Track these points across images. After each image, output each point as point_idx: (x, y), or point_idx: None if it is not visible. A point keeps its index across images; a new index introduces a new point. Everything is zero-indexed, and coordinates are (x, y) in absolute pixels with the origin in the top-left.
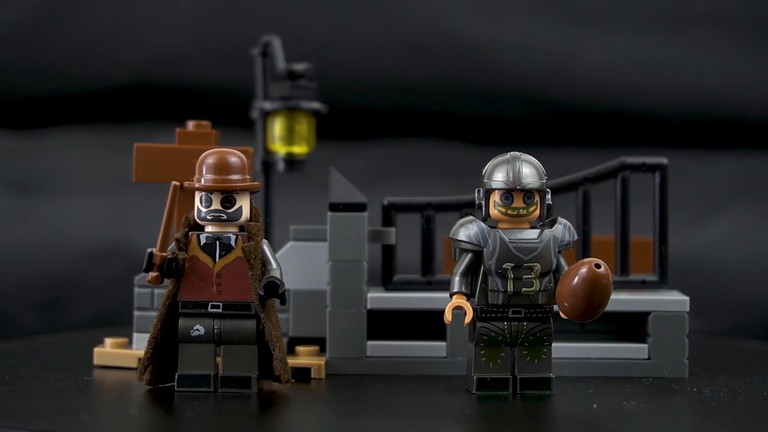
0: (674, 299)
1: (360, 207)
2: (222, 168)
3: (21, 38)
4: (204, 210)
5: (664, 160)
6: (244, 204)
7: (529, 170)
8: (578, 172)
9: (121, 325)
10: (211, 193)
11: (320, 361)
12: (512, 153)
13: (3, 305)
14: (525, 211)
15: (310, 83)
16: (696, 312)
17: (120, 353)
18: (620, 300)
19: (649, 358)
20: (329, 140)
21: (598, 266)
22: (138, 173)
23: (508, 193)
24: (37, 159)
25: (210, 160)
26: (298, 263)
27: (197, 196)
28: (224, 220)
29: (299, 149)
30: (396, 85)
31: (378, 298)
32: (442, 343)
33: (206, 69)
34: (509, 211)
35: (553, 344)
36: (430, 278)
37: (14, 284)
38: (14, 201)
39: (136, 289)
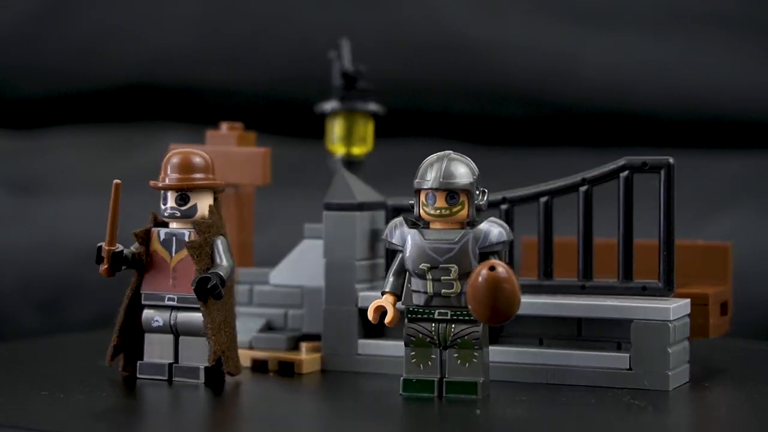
0: (657, 307)
1: (355, 207)
2: (177, 167)
3: (21, 38)
4: (162, 207)
5: (669, 159)
6: (200, 202)
7: (454, 170)
8: (579, 172)
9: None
10: (167, 191)
11: (302, 356)
12: (443, 152)
13: (3, 305)
14: (448, 212)
15: (368, 85)
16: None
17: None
18: (601, 306)
19: (630, 369)
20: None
21: (492, 268)
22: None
23: (432, 193)
24: (37, 159)
25: (170, 160)
26: (312, 260)
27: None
28: (178, 217)
29: (358, 150)
30: (396, 85)
31: (369, 296)
32: None
33: (206, 69)
34: (432, 212)
35: (533, 349)
36: None
37: (14, 284)
38: (14, 201)
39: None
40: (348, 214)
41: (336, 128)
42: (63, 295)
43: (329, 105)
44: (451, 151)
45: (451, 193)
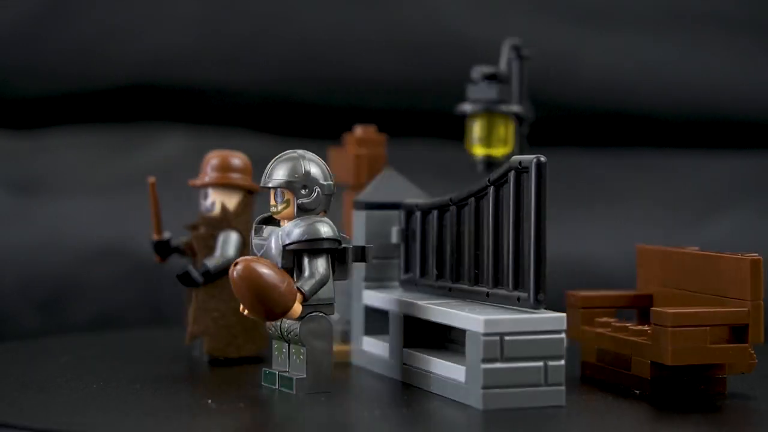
0: (479, 318)
1: (375, 206)
2: (213, 166)
3: (21, 38)
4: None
5: (541, 157)
6: (217, 200)
7: (280, 169)
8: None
9: (121, 325)
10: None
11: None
12: (286, 152)
13: (3, 305)
14: (275, 209)
15: (509, 86)
16: None
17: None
18: (429, 309)
19: (465, 383)
20: (330, 140)
21: (236, 264)
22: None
23: (268, 192)
24: (37, 159)
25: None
26: None
27: None
28: (204, 213)
29: (497, 151)
30: (396, 85)
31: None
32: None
33: (206, 69)
34: (270, 209)
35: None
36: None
37: (14, 284)
38: (14, 201)
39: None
40: (374, 213)
41: (476, 129)
42: (63, 295)
43: (469, 106)
44: (295, 151)
45: (279, 191)
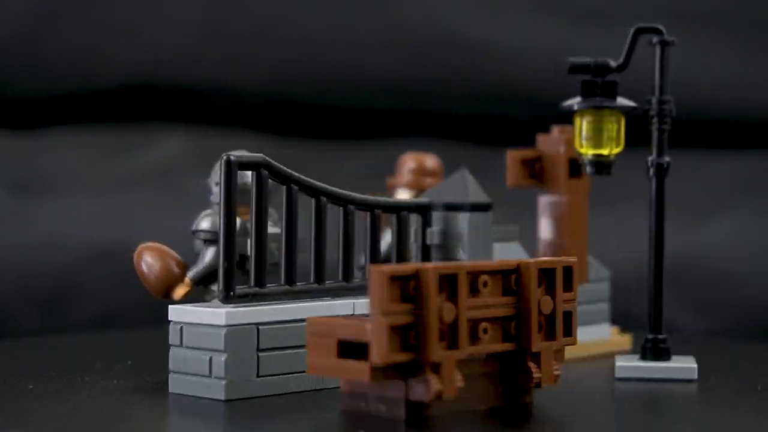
0: (214, 311)
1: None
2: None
3: (21, 38)
4: None
5: (231, 156)
6: None
7: None
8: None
9: (120, 325)
10: None
11: None
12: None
13: (3, 305)
14: None
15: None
16: (696, 312)
17: None
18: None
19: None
20: (330, 140)
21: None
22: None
23: None
24: (37, 159)
25: None
26: None
27: None
28: None
29: (607, 150)
30: (396, 85)
31: None
32: None
33: (206, 69)
34: None
35: None
36: None
37: (14, 284)
38: (14, 201)
39: None
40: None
41: (583, 127)
42: (63, 295)
43: (575, 102)
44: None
45: None
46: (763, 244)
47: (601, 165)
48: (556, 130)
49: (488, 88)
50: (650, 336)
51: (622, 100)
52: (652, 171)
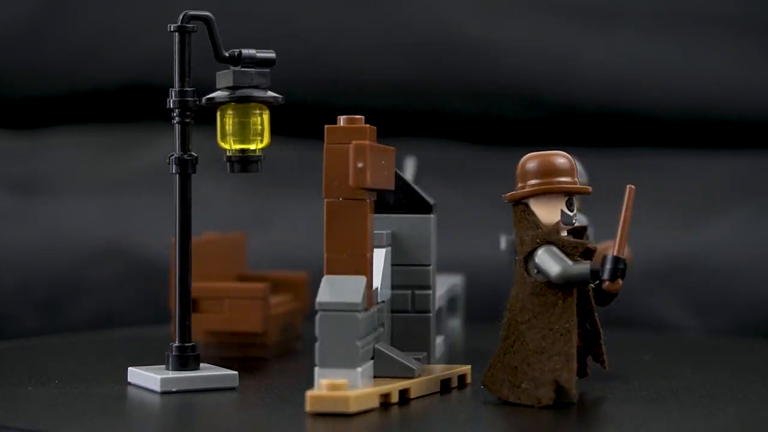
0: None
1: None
2: (574, 170)
3: (21, 38)
4: (570, 214)
5: None
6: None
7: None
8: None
9: (120, 325)
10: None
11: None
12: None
13: (3, 305)
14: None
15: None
16: (696, 312)
17: (366, 393)
18: None
19: None
20: None
21: None
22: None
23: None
24: (37, 159)
25: (566, 164)
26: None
27: (559, 201)
28: (573, 225)
29: (254, 145)
30: (396, 85)
31: None
32: None
33: (206, 69)
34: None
35: None
36: None
37: (14, 284)
38: (14, 201)
39: (359, 316)
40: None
41: (227, 122)
42: (63, 295)
43: (216, 95)
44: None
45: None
46: (763, 244)
47: (247, 161)
48: (343, 120)
49: (488, 88)
50: (177, 344)
51: (268, 93)
52: (175, 168)
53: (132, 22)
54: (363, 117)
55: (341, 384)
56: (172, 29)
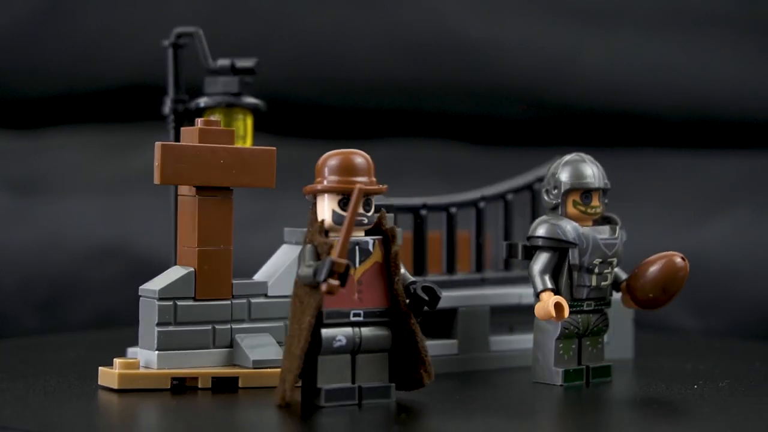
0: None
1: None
2: (363, 170)
3: (21, 38)
4: (337, 212)
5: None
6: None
7: (599, 171)
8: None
9: (120, 325)
10: (346, 196)
11: None
12: (579, 154)
13: (3, 305)
14: (600, 209)
15: (251, 79)
16: (696, 312)
17: (147, 374)
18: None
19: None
20: (330, 140)
21: (683, 259)
22: (164, 174)
23: (588, 193)
24: (37, 159)
25: (347, 162)
26: (293, 266)
27: (331, 199)
28: (365, 225)
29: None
30: (396, 85)
31: None
32: (453, 341)
33: (206, 69)
34: (588, 210)
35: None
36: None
37: (14, 284)
38: (14, 201)
39: (158, 303)
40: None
41: None
42: (63, 295)
43: (205, 99)
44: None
45: (603, 192)
46: (763, 244)
47: None
48: (200, 122)
49: (488, 88)
50: None
51: (249, 99)
52: None
53: (131, 23)
54: (220, 120)
55: (133, 363)
56: (165, 45)
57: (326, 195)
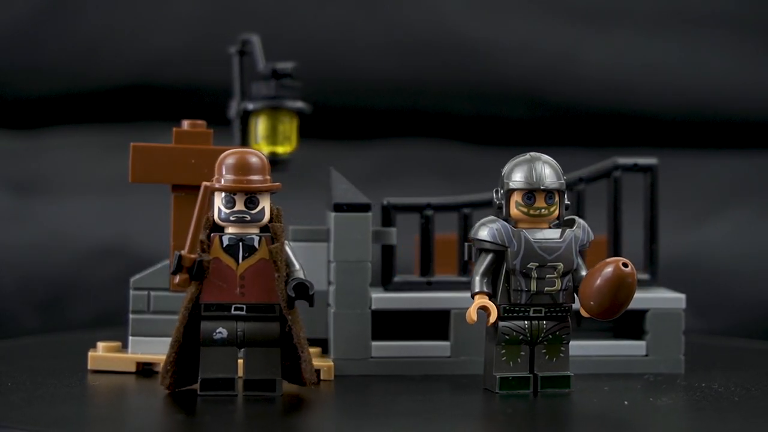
0: (670, 297)
1: (364, 207)
2: (245, 168)
3: (21, 38)
4: (227, 211)
5: (654, 161)
6: (266, 205)
7: (549, 170)
8: (575, 171)
9: (119, 325)
10: (234, 194)
11: (328, 363)
12: (532, 153)
13: (3, 305)
14: (546, 211)
15: (294, 82)
16: (696, 312)
17: (116, 357)
18: None
19: (647, 355)
20: (330, 140)
21: (625, 265)
22: (135, 173)
23: (531, 194)
24: (37, 159)
25: (231, 161)
26: None
27: (218, 196)
28: (248, 221)
29: (282, 149)
30: (396, 85)
31: (382, 298)
32: (446, 343)
33: (206, 69)
34: (531, 211)
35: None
36: (429, 278)
37: (14, 284)
38: (14, 201)
39: (132, 292)
40: (359, 215)
41: (260, 127)
42: (63, 295)
43: (252, 103)
44: (539, 153)
45: (550, 193)
46: (763, 244)
47: (275, 162)
48: (186, 124)
49: (488, 88)
50: None
51: (296, 103)
52: None
53: (132, 23)
54: (205, 122)
55: (113, 346)
56: (232, 52)
57: (215, 192)
